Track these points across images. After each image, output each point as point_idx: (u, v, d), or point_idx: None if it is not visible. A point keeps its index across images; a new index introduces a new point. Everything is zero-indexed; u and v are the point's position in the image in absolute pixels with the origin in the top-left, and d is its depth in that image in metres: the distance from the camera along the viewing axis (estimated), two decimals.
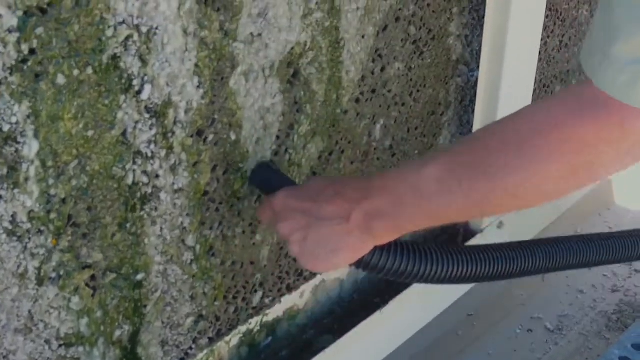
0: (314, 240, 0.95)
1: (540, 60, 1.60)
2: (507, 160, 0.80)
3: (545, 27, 1.58)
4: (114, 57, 0.84)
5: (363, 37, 1.17)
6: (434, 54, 1.36)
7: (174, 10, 0.88)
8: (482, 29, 1.39)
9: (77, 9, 0.78)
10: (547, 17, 1.57)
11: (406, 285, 1.45)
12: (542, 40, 1.57)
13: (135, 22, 0.84)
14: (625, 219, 2.01)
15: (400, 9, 1.22)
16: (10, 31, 0.74)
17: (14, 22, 0.74)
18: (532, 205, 0.84)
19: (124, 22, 0.83)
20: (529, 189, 0.81)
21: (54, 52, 0.78)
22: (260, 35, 0.99)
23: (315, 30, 1.08)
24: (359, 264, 0.97)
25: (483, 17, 1.39)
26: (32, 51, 0.77)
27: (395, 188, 0.90)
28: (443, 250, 0.99)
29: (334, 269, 1.01)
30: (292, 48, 1.06)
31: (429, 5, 1.29)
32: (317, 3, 1.05)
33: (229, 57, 0.97)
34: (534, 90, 1.64)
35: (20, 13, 0.74)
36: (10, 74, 0.75)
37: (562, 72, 1.82)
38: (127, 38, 0.85)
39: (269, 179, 1.08)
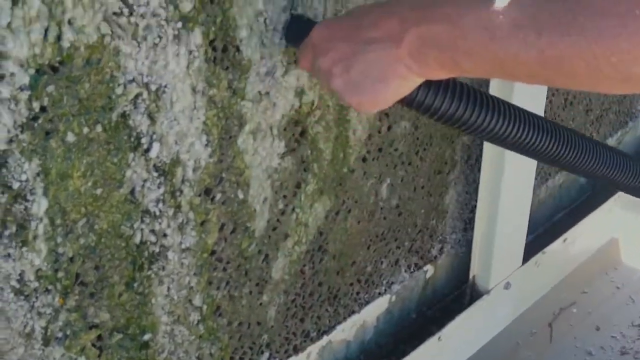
0: (359, 70, 0.84)
1: (544, 112, 1.61)
2: (609, 23, 0.66)
3: (549, 88, 1.59)
4: (123, 115, 0.85)
5: None
6: None
7: (183, 69, 0.88)
8: (487, 87, 1.39)
9: (88, 67, 0.79)
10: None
11: (412, 347, 1.44)
12: (547, 98, 1.58)
13: (145, 80, 0.85)
14: (633, 278, 2.00)
15: None
16: (22, 89, 0.74)
17: (26, 80, 0.74)
18: (607, 87, 0.73)
19: (133, 80, 0.84)
20: (622, 61, 0.67)
21: (64, 110, 0.79)
22: (268, 93, 1.00)
23: (322, 89, 1.08)
24: (409, 100, 0.87)
25: None
26: (43, 109, 0.77)
27: (461, 18, 0.75)
28: (505, 103, 0.91)
29: (382, 105, 0.86)
30: (300, 107, 1.06)
31: None
32: None
33: (237, 115, 0.97)
34: None
35: (32, 71, 0.74)
36: (21, 131, 0.76)
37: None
38: (137, 96, 0.85)
39: (306, 30, 0.93)
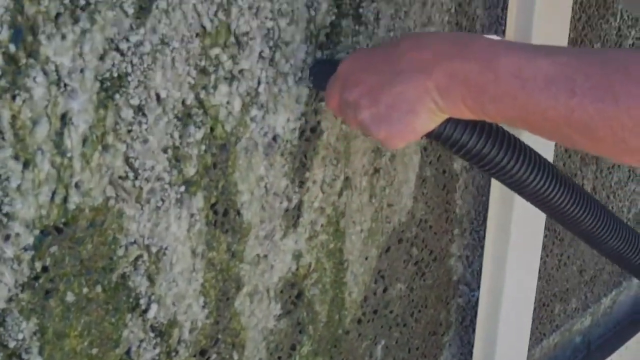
0: (388, 102, 0.81)
1: (539, 279, 1.62)
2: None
3: (544, 246, 1.61)
4: (123, 276, 0.85)
5: (366, 258, 1.19)
6: (435, 274, 1.38)
7: (184, 232, 0.90)
8: (482, 250, 1.41)
9: (91, 229, 0.80)
10: (545, 236, 1.60)
11: None
12: (541, 259, 1.60)
13: (146, 242, 0.86)
14: None
15: (403, 231, 1.25)
16: (26, 249, 0.75)
17: (30, 240, 0.75)
18: (630, 159, 0.71)
19: (135, 242, 0.85)
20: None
21: (65, 270, 0.80)
22: (266, 256, 1.01)
23: (320, 252, 1.10)
24: (436, 134, 0.85)
25: (483, 238, 1.42)
26: (44, 269, 0.78)
27: (495, 61, 0.74)
28: (533, 151, 0.89)
29: (410, 139, 0.83)
30: (297, 269, 1.07)
31: (430, 227, 1.32)
32: (322, 225, 1.08)
33: (235, 277, 0.98)
34: (534, 309, 1.65)
35: (37, 232, 0.76)
36: (22, 290, 0.76)
37: (561, 291, 1.83)
38: (137, 258, 0.86)
39: (330, 71, 0.91)
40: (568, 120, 0.70)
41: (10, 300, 0.76)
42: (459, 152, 0.88)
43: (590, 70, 0.69)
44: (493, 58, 0.74)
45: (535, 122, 0.74)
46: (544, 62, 0.71)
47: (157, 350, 0.92)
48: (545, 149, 1.37)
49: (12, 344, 0.77)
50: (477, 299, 1.48)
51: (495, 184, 1.34)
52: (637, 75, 0.66)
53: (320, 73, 0.96)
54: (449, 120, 0.84)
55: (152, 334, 0.91)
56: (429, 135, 0.85)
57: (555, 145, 1.51)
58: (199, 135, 0.87)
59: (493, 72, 0.74)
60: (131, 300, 0.87)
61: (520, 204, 1.33)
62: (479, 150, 0.87)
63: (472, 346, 1.52)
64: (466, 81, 0.76)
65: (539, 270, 1.58)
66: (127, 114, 0.79)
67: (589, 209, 0.98)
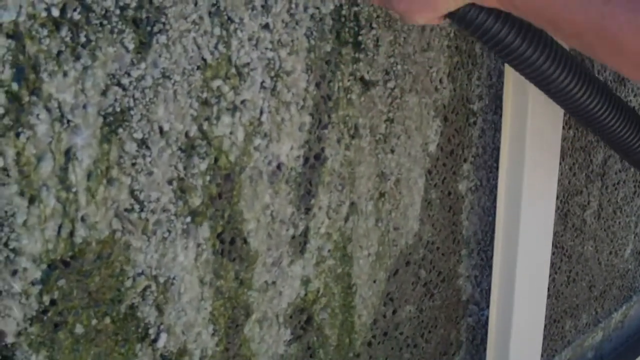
0: None
1: (549, 296, 1.62)
2: None
3: (552, 264, 1.60)
4: (132, 307, 0.86)
5: (375, 282, 1.19)
6: (444, 295, 1.38)
7: (191, 261, 0.90)
8: (490, 269, 1.41)
9: (98, 262, 0.81)
10: (553, 253, 1.60)
11: None
12: (550, 276, 1.59)
13: (154, 272, 0.87)
14: None
15: (410, 253, 1.25)
16: (33, 283, 0.76)
17: (37, 274, 0.76)
18: None
19: (142, 273, 0.86)
20: None
21: (74, 303, 0.80)
22: (274, 283, 1.02)
23: (328, 277, 1.10)
24: (459, 17, 0.83)
25: (491, 257, 1.42)
26: (52, 302, 0.78)
27: None
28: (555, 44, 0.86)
29: (431, 15, 0.81)
30: (306, 295, 1.08)
31: (438, 248, 1.32)
32: (329, 251, 1.08)
33: (243, 305, 0.99)
34: (545, 326, 1.64)
35: (44, 266, 0.77)
36: (30, 324, 0.77)
37: (571, 307, 1.83)
38: (145, 288, 0.87)
39: None
40: (595, 27, 0.69)
41: (19, 334, 0.76)
42: (482, 38, 0.85)
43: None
44: None
45: (562, 23, 0.72)
46: None
47: None
48: (550, 168, 1.38)
49: None
50: (487, 317, 1.48)
51: (500, 205, 1.34)
52: None
53: None
54: (473, 4, 0.81)
55: None
56: (451, 16, 0.83)
57: (560, 163, 1.52)
58: (204, 166, 0.88)
59: None
60: (140, 330, 0.88)
61: (526, 224, 1.33)
62: (502, 37, 0.84)
63: None
64: None
65: (549, 287, 1.58)
66: (131, 147, 0.80)
67: (617, 113, 0.94)
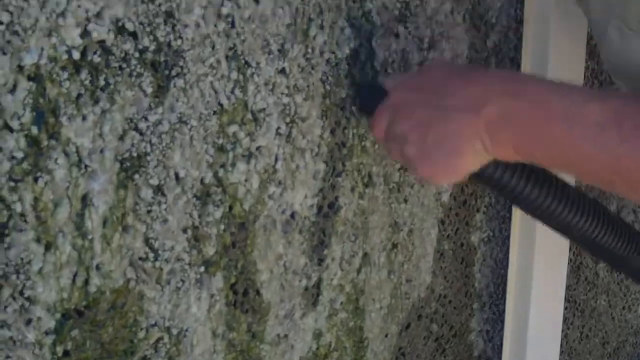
0: (435, 139, 0.81)
1: (562, 352, 1.60)
2: None
3: (565, 319, 1.59)
4: (144, 359, 0.84)
5: (386, 335, 1.18)
6: (456, 350, 1.36)
7: (204, 313, 0.89)
8: (502, 324, 1.39)
9: (112, 312, 0.80)
10: (566, 308, 1.58)
11: None
12: (562, 332, 1.58)
13: (167, 324, 0.85)
14: None
15: (422, 307, 1.23)
16: (47, 333, 0.74)
17: (51, 324, 0.75)
18: None
19: (155, 324, 0.84)
20: None
21: (87, 354, 0.78)
22: (286, 336, 1.00)
23: (340, 330, 1.08)
24: (480, 175, 0.85)
25: (503, 311, 1.40)
26: (66, 353, 0.77)
27: (547, 104, 0.74)
28: (583, 196, 0.89)
29: (454, 178, 0.84)
30: (317, 348, 1.06)
31: (450, 302, 1.30)
32: (341, 303, 1.07)
33: (255, 358, 0.97)
34: None
35: (58, 315, 0.75)
36: None
37: None
38: (158, 340, 0.85)
39: (377, 98, 0.92)
40: (614, 168, 0.71)
41: None
42: (505, 193, 0.88)
43: (635, 109, 0.69)
44: (544, 99, 0.74)
45: (581, 166, 0.74)
46: (594, 107, 0.71)
47: None
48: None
49: None
50: None
51: (513, 257, 1.33)
52: None
53: (367, 98, 0.96)
54: (496, 163, 0.84)
55: None
56: (476, 175, 0.85)
57: None
58: (218, 214, 0.87)
59: (544, 114, 0.74)
60: None
61: (539, 277, 1.32)
62: (527, 193, 0.87)
63: None
64: (516, 120, 0.76)
65: (561, 343, 1.56)
66: (147, 194, 0.79)
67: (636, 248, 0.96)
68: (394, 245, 1.14)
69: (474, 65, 0.84)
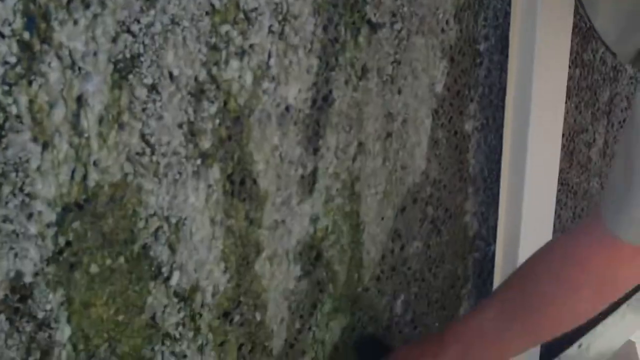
0: None
1: (554, 231, 1.64)
2: (544, 292, 0.93)
3: (558, 200, 1.62)
4: (145, 247, 0.89)
5: (382, 219, 1.22)
6: (451, 231, 1.40)
7: (202, 202, 0.93)
8: (497, 206, 1.43)
9: (111, 204, 0.83)
10: (559, 190, 1.61)
11: None
12: (555, 212, 1.61)
13: (166, 213, 0.89)
14: None
15: (417, 191, 1.27)
16: (48, 226, 0.79)
17: (52, 217, 0.79)
18: (570, 326, 0.96)
19: (154, 214, 0.88)
20: (565, 313, 0.92)
21: (88, 244, 0.83)
22: (284, 221, 1.04)
23: (336, 215, 1.12)
24: None
25: (498, 194, 1.44)
26: (68, 243, 0.81)
27: (463, 335, 1.02)
28: None
29: None
30: (315, 232, 1.10)
31: (445, 186, 1.34)
32: (337, 190, 1.10)
33: (254, 243, 1.01)
34: None
35: (59, 209, 0.79)
36: (47, 265, 0.80)
37: None
38: (158, 229, 0.89)
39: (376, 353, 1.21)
40: (527, 335, 0.99)
41: (36, 274, 0.79)
42: None
43: (507, 296, 0.99)
44: (461, 334, 1.04)
45: (512, 350, 1.02)
46: (487, 313, 1.01)
47: (182, 315, 0.96)
48: (556, 106, 1.38)
49: (41, 315, 0.81)
50: (494, 252, 1.50)
51: (507, 143, 1.35)
52: (532, 283, 0.95)
53: (366, 351, 1.22)
54: None
55: (175, 300, 0.94)
56: None
57: (566, 102, 1.52)
58: (213, 109, 0.90)
59: (466, 344, 1.02)
60: (153, 269, 0.91)
61: (533, 160, 1.34)
62: None
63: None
64: None
65: (554, 223, 1.60)
66: (142, 92, 0.82)
67: None
68: (389, 135, 1.16)
69: (420, 341, 1.21)
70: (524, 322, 0.96)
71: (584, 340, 1.86)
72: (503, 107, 1.37)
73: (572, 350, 1.82)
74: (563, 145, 1.60)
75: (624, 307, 1.98)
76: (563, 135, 1.59)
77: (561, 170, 1.61)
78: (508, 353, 1.02)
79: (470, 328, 1.03)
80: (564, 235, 0.99)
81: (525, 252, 1.47)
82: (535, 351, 1.67)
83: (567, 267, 0.92)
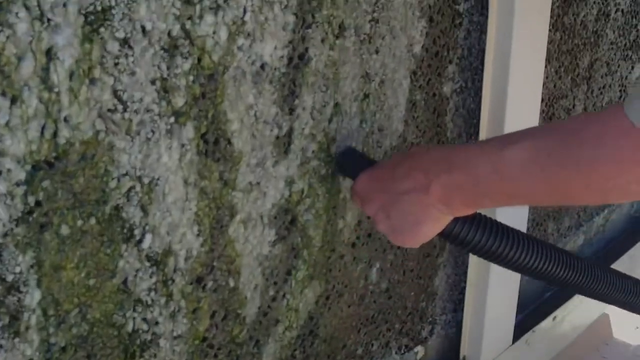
0: (397, 216, 0.99)
1: None
2: (595, 156, 0.78)
3: None
4: (117, 208, 0.87)
5: None
6: None
7: (175, 162, 0.90)
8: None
9: (82, 162, 0.81)
10: None
11: None
12: None
13: (138, 173, 0.87)
14: (625, 353, 2.01)
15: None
16: (18, 184, 0.76)
17: (22, 175, 0.76)
18: (613, 201, 0.85)
19: (127, 173, 0.86)
20: (613, 188, 0.79)
21: (59, 204, 0.81)
22: (258, 183, 1.02)
23: (312, 178, 1.11)
24: (443, 234, 1.01)
25: None
26: (38, 203, 0.79)
27: (475, 165, 0.90)
28: (529, 237, 1.05)
29: (423, 241, 1.01)
30: (290, 195, 1.08)
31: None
32: (313, 152, 1.09)
33: (228, 205, 0.99)
34: (527, 229, 1.67)
35: (28, 167, 0.76)
36: (16, 225, 0.77)
37: (554, 210, 1.85)
38: (130, 189, 0.87)
39: (351, 164, 1.12)
40: (546, 192, 0.85)
41: (5, 235, 0.77)
42: (466, 248, 1.05)
43: (546, 144, 0.83)
44: (471, 164, 0.90)
45: (523, 199, 0.92)
46: (512, 152, 0.85)
47: (154, 279, 0.94)
48: (536, 70, 1.38)
49: (9, 278, 0.79)
50: None
51: (485, 107, 1.34)
52: (584, 141, 0.79)
53: (348, 163, 1.13)
54: (453, 223, 1.00)
55: (147, 264, 0.92)
56: (440, 235, 1.01)
57: (546, 66, 1.51)
58: (187, 66, 0.87)
59: (474, 176, 0.89)
60: (125, 231, 0.89)
61: (511, 125, 1.33)
62: (482, 245, 1.03)
63: (467, 267, 1.54)
64: (458, 189, 0.92)
65: None
66: (113, 47, 0.79)
67: (591, 276, 1.14)
68: (366, 96, 1.15)
69: (419, 151, 1.01)
70: (556, 178, 0.82)
71: (559, 312, 1.87)
72: (482, 70, 1.35)
73: (547, 322, 1.83)
74: (542, 111, 1.60)
75: None
76: (542, 100, 1.59)
77: None
78: (520, 200, 0.92)
79: (487, 160, 0.88)
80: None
81: (501, 219, 1.46)
82: (510, 324, 1.68)
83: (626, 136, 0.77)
